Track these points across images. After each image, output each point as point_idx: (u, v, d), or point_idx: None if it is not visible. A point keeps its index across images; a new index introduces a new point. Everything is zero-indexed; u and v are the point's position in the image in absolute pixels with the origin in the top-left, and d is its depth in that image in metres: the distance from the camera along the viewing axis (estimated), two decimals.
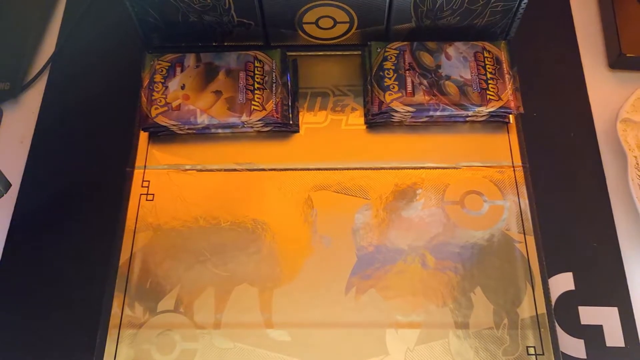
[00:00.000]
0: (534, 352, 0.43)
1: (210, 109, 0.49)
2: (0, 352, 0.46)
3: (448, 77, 0.50)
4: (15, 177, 0.52)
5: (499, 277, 0.46)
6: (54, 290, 0.48)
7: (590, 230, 0.50)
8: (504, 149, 0.51)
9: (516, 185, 0.49)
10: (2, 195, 0.46)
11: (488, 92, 0.49)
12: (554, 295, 0.47)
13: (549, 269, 0.47)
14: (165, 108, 0.49)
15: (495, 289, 0.45)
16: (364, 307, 0.45)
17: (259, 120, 0.49)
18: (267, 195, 0.49)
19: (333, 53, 0.56)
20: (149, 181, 0.50)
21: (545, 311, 0.44)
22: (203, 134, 0.52)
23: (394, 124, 0.52)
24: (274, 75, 0.51)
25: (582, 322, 0.46)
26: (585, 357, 0.45)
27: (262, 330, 0.44)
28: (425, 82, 0.50)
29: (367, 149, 0.51)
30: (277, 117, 0.49)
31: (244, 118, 0.49)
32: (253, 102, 0.50)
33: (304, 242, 0.47)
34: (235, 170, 0.50)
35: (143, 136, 0.52)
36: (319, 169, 0.50)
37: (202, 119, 0.49)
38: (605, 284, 0.48)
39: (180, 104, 0.50)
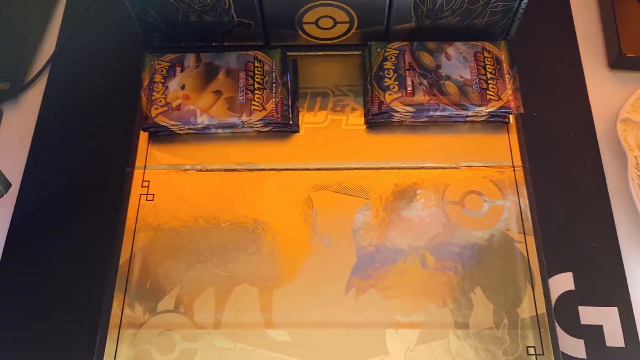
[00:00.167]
0: (534, 352, 0.43)
1: (210, 109, 0.49)
2: (0, 352, 0.46)
3: (448, 77, 0.50)
4: (15, 177, 0.52)
5: (499, 277, 0.46)
6: (54, 290, 0.48)
7: (590, 230, 0.50)
8: (504, 149, 0.51)
9: (516, 185, 0.49)
10: (2, 195, 0.46)
11: (488, 92, 0.49)
12: (554, 295, 0.47)
13: (549, 269, 0.47)
14: (165, 108, 0.49)
15: (495, 289, 0.45)
16: (364, 307, 0.45)
17: (259, 120, 0.49)
18: (267, 195, 0.49)
19: (333, 53, 0.56)
20: (149, 181, 0.50)
21: (545, 311, 0.45)
22: (203, 134, 0.52)
23: (394, 124, 0.52)
24: (274, 75, 0.51)
25: (582, 322, 0.46)
26: (585, 357, 0.45)
27: (262, 330, 0.44)
28: (425, 82, 0.50)
29: (367, 149, 0.51)
30: (277, 117, 0.49)
31: (244, 118, 0.49)
32: (253, 102, 0.50)
33: (304, 242, 0.47)
34: (235, 170, 0.50)
35: (143, 136, 0.52)
36: (319, 169, 0.50)
37: (202, 119, 0.49)
38: (605, 284, 0.48)
39: (180, 104, 0.50)
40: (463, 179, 0.50)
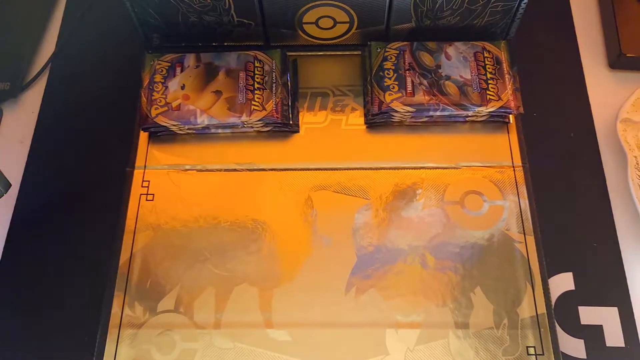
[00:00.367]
0: (534, 352, 0.43)
1: (210, 109, 0.49)
2: (0, 352, 0.46)
3: (448, 77, 0.50)
4: (15, 177, 0.52)
5: (499, 277, 0.46)
6: (54, 290, 0.48)
7: (590, 230, 0.50)
8: (504, 149, 0.51)
9: (516, 185, 0.49)
10: (2, 195, 0.46)
11: (488, 92, 0.49)
12: (554, 295, 0.47)
13: (549, 269, 0.47)
14: (165, 108, 0.49)
15: (495, 289, 0.45)
16: (364, 307, 0.45)
17: (259, 120, 0.49)
18: (267, 195, 0.49)
19: (333, 53, 0.56)
20: (149, 181, 0.50)
21: (545, 311, 0.45)
22: (203, 134, 0.52)
23: (394, 124, 0.52)
24: (274, 75, 0.51)
25: (582, 322, 0.46)
26: (585, 357, 0.45)
27: (262, 330, 0.44)
28: (425, 82, 0.50)
29: (367, 149, 0.51)
30: (277, 117, 0.49)
31: (244, 118, 0.49)
32: (253, 102, 0.50)
33: (304, 242, 0.47)
34: (235, 170, 0.50)
35: (143, 136, 0.52)
36: (319, 169, 0.50)
37: (202, 119, 0.49)
38: (605, 284, 0.48)
39: (180, 104, 0.50)
40: (463, 179, 0.50)
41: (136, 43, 0.55)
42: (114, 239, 0.48)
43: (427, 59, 0.51)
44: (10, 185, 0.47)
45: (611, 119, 0.53)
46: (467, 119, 0.51)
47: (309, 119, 0.52)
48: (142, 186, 0.50)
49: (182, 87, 0.50)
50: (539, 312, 0.45)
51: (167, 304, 0.45)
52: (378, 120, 0.51)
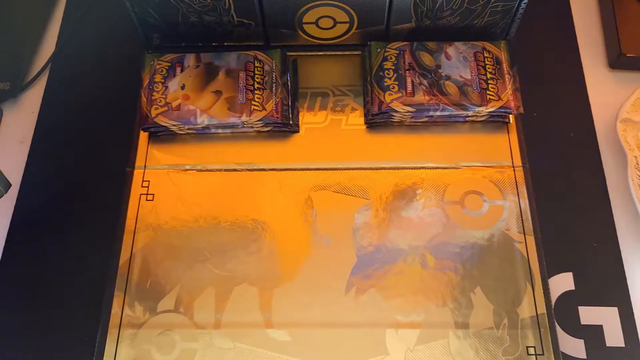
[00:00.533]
0: (534, 352, 0.43)
1: (210, 109, 0.49)
2: (0, 352, 0.46)
3: (448, 77, 0.50)
4: (15, 177, 0.52)
5: (499, 277, 0.46)
6: (54, 290, 0.48)
7: (590, 230, 0.50)
8: (503, 149, 0.51)
9: (516, 185, 0.49)
10: (2, 195, 0.46)
11: (488, 92, 0.49)
12: (554, 295, 0.47)
13: (549, 269, 0.47)
14: (165, 108, 0.49)
15: (495, 289, 0.45)
16: (364, 307, 0.45)
17: (259, 120, 0.49)
18: (267, 195, 0.49)
19: (333, 53, 0.56)
20: (149, 181, 0.50)
21: (545, 311, 0.45)
22: (203, 134, 0.52)
23: (394, 124, 0.52)
24: (274, 75, 0.51)
25: (582, 322, 0.46)
26: (585, 357, 0.45)
27: (262, 330, 0.44)
28: (425, 82, 0.50)
29: (367, 149, 0.51)
30: (277, 117, 0.49)
31: (244, 118, 0.49)
32: (253, 102, 0.50)
33: (304, 242, 0.47)
34: (235, 170, 0.51)
35: (143, 136, 0.52)
36: (319, 169, 0.50)
37: (202, 119, 0.49)
38: (605, 284, 0.48)
39: (180, 104, 0.50)
40: (463, 179, 0.50)
41: (136, 43, 0.55)
42: (114, 239, 0.48)
43: (427, 59, 0.51)
44: (10, 185, 0.47)
45: (611, 119, 0.53)
46: (467, 119, 0.51)
47: (309, 119, 0.52)
48: (142, 186, 0.50)
49: (182, 87, 0.50)
50: (539, 312, 0.45)
51: (167, 304, 0.45)
52: (378, 120, 0.51)
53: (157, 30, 0.53)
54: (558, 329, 0.46)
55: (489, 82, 0.50)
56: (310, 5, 0.50)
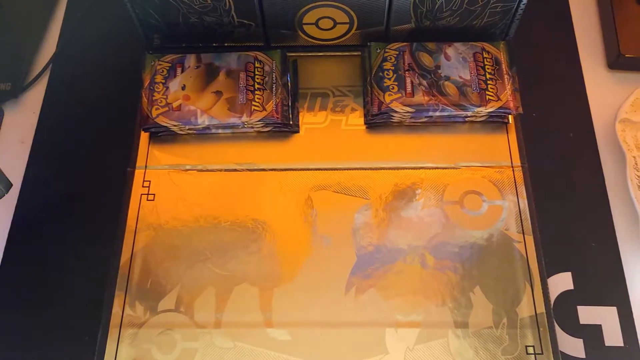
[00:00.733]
0: (533, 352, 0.44)
1: (210, 110, 0.50)
2: (1, 352, 0.46)
3: (447, 78, 0.50)
4: (16, 177, 0.52)
5: (498, 277, 0.46)
6: (54, 290, 0.48)
7: (589, 230, 0.50)
8: (503, 149, 0.51)
9: (515, 185, 0.49)
10: (4, 195, 0.46)
11: (487, 92, 0.50)
12: (553, 295, 0.47)
13: (548, 269, 0.47)
14: (166, 108, 0.50)
15: (495, 289, 0.46)
16: (364, 307, 0.45)
17: (259, 121, 0.50)
18: (268, 195, 0.49)
19: (333, 54, 0.56)
20: (149, 181, 0.50)
21: (544, 311, 0.45)
22: (203, 134, 0.52)
23: (393, 124, 0.52)
24: (274, 76, 0.51)
25: (581, 322, 0.46)
26: (584, 356, 0.45)
27: (262, 329, 0.45)
28: (424, 82, 0.50)
29: (367, 149, 0.51)
30: (277, 118, 0.50)
31: (244, 118, 0.49)
32: (253, 103, 0.50)
33: (304, 242, 0.48)
34: (235, 170, 0.51)
35: (144, 136, 0.52)
36: (319, 169, 0.50)
37: (203, 120, 0.49)
38: (604, 283, 0.48)
39: (180, 105, 0.50)
40: (462, 179, 0.50)
41: (137, 44, 0.55)
42: (114, 238, 0.48)
43: (426, 59, 0.51)
44: (12, 185, 0.47)
45: (610, 119, 0.53)
46: (466, 119, 0.51)
47: (309, 119, 0.53)
48: (142, 186, 0.50)
49: (183, 88, 0.50)
50: (538, 312, 0.45)
51: (168, 303, 0.46)
52: (378, 120, 0.51)
53: (157, 31, 0.53)
54: (557, 328, 0.46)
55: (488, 82, 0.50)
56: (310, 6, 0.50)
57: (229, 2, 0.49)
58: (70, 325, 0.47)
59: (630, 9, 0.56)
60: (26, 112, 0.56)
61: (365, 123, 0.52)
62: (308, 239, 0.48)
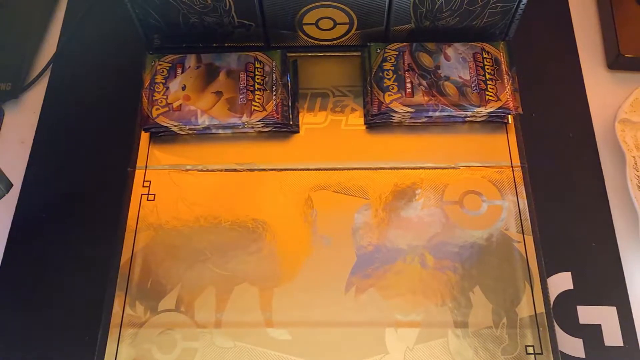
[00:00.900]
0: (532, 351, 0.44)
1: (210, 110, 0.50)
2: (1, 351, 0.46)
3: (447, 78, 0.50)
4: (16, 177, 0.52)
5: (498, 277, 0.46)
6: (54, 290, 0.48)
7: (588, 230, 0.50)
8: (502, 149, 0.51)
9: (515, 185, 0.49)
10: (4, 195, 0.46)
11: (487, 92, 0.50)
12: (553, 295, 0.47)
13: (548, 269, 0.47)
14: (166, 109, 0.50)
15: (494, 289, 0.46)
16: (364, 306, 0.45)
17: (259, 121, 0.50)
18: (268, 195, 0.49)
19: (333, 54, 0.56)
20: (150, 181, 0.50)
21: (544, 310, 0.45)
22: (204, 135, 0.52)
23: (393, 124, 0.52)
24: (274, 76, 0.51)
25: (581, 322, 0.46)
26: (583, 356, 0.45)
27: (263, 329, 0.45)
28: (424, 82, 0.50)
29: (367, 149, 0.51)
30: (278, 118, 0.50)
31: (245, 118, 0.49)
32: (253, 103, 0.50)
33: (304, 242, 0.48)
34: (235, 170, 0.51)
35: (144, 136, 0.52)
36: (319, 169, 0.50)
37: (203, 120, 0.49)
38: (604, 283, 0.48)
39: (181, 105, 0.50)
40: (462, 179, 0.50)
41: (137, 44, 0.55)
42: (115, 238, 0.48)
43: (426, 59, 0.51)
44: (12, 185, 0.47)
45: (610, 120, 0.53)
46: (466, 119, 0.51)
47: (309, 120, 0.53)
48: (143, 186, 0.50)
49: (183, 88, 0.50)
50: (537, 312, 0.45)
51: (168, 303, 0.46)
52: (377, 120, 0.51)
53: (157, 31, 0.53)
54: (557, 328, 0.46)
55: (488, 82, 0.50)
56: (310, 6, 0.50)
57: (229, 2, 0.49)
58: (70, 325, 0.47)
59: (630, 9, 0.56)
60: (26, 112, 0.56)
61: (365, 123, 0.52)
62: (308, 239, 0.48)
